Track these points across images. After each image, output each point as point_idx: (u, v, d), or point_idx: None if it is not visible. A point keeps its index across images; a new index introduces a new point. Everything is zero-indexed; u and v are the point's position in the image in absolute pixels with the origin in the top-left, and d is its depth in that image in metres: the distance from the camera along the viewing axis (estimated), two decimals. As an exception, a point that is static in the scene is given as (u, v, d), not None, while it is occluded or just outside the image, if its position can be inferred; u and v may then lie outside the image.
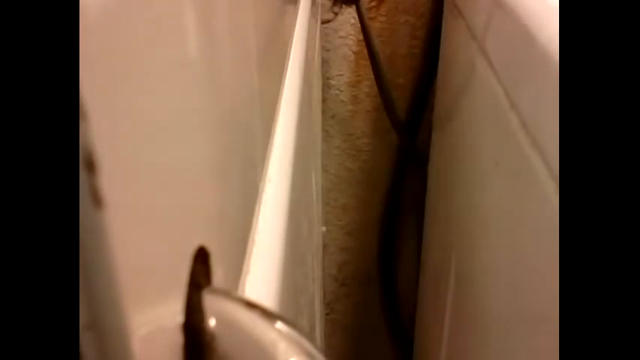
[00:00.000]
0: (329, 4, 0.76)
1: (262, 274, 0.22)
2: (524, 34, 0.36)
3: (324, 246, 0.88)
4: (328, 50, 0.79)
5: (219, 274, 0.17)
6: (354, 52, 0.79)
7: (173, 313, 0.14)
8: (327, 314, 0.93)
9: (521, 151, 0.35)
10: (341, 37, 0.78)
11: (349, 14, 0.77)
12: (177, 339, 0.15)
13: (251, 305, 0.16)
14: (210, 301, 0.15)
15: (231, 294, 0.16)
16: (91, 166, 0.10)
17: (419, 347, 0.85)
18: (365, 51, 0.76)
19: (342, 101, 0.82)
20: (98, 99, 0.10)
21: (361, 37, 0.76)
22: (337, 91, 0.81)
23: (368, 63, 0.76)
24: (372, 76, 0.77)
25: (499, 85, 0.42)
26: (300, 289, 0.36)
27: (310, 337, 0.15)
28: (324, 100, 0.80)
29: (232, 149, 0.21)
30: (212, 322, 0.15)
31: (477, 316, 0.49)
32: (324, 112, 0.81)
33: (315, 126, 0.64)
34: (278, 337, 0.15)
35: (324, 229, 0.86)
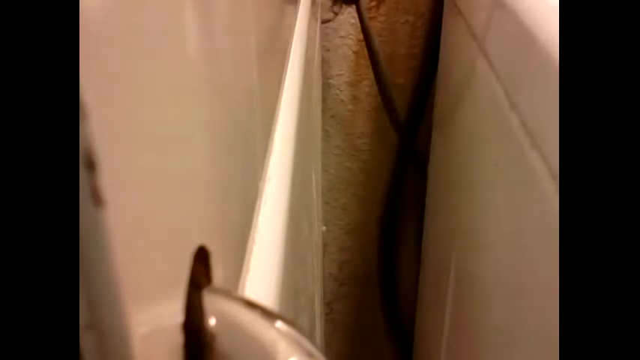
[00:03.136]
0: (329, 3, 0.76)
1: (262, 274, 0.22)
2: (524, 34, 0.36)
3: (324, 246, 0.88)
4: (328, 50, 0.79)
5: (219, 273, 0.17)
6: (354, 52, 0.79)
7: (173, 312, 0.14)
8: (327, 314, 0.93)
9: (521, 151, 0.35)
10: (341, 36, 0.78)
11: (349, 14, 0.77)
12: (177, 339, 0.15)
13: (251, 305, 0.16)
14: (210, 301, 0.15)
15: (231, 294, 0.16)
16: (91, 166, 0.10)
17: (419, 347, 0.85)
18: (365, 51, 0.76)
19: (342, 101, 0.82)
20: (98, 99, 0.10)
21: (361, 36, 0.76)
22: (337, 91, 0.81)
23: (368, 63, 0.76)
24: (372, 75, 0.77)
25: (499, 85, 0.42)
26: (300, 289, 0.36)
27: (310, 337, 0.15)
28: (323, 100, 0.80)
29: (232, 149, 0.21)
30: (212, 322, 0.15)
31: (476, 316, 0.49)
32: (324, 111, 0.81)
33: (315, 126, 0.64)
34: (278, 336, 0.15)
35: (324, 228, 0.86)
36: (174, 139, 0.15)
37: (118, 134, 0.11)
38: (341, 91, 0.81)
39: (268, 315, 0.15)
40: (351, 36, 0.78)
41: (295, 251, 0.32)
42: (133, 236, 0.12)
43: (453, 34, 0.65)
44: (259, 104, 0.26)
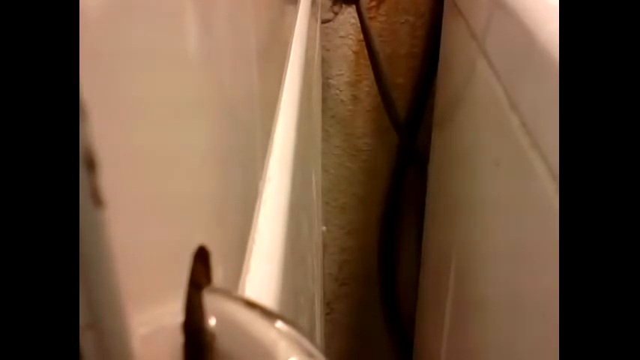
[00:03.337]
0: (329, 3, 0.76)
1: (262, 274, 0.22)
2: (524, 34, 0.36)
3: (324, 246, 0.88)
4: (328, 50, 0.79)
5: (219, 273, 0.17)
6: (354, 52, 0.79)
7: (173, 312, 0.14)
8: (327, 314, 0.93)
9: (521, 151, 0.35)
10: (341, 36, 0.78)
11: (349, 14, 0.77)
12: (177, 339, 0.15)
13: (251, 305, 0.16)
14: (210, 301, 0.15)
15: (231, 294, 0.16)
16: (92, 166, 0.10)
17: (419, 347, 0.85)
18: (365, 51, 0.76)
19: (342, 101, 0.82)
20: (98, 98, 0.10)
21: (361, 36, 0.76)
22: (337, 91, 0.81)
23: (368, 63, 0.76)
24: (372, 75, 0.77)
25: (499, 85, 0.42)
26: (300, 289, 0.36)
27: (310, 337, 0.15)
28: (324, 100, 0.80)
29: (232, 149, 0.21)
30: (212, 322, 0.15)
31: (476, 316, 0.49)
32: (324, 112, 0.81)
33: (315, 126, 0.64)
34: (278, 336, 0.15)
35: (324, 228, 0.86)
36: (174, 138, 0.15)
37: (118, 134, 0.11)
38: (341, 91, 0.81)
39: (268, 315, 0.15)
40: (351, 36, 0.78)
41: (295, 251, 0.32)
42: (133, 236, 0.12)
43: (453, 34, 0.65)
44: (259, 104, 0.26)
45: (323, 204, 0.85)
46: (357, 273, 0.92)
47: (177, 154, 0.15)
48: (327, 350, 0.79)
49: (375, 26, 0.76)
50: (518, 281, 0.37)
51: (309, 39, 0.48)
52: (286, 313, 0.25)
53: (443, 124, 0.71)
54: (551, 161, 0.30)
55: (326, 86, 0.80)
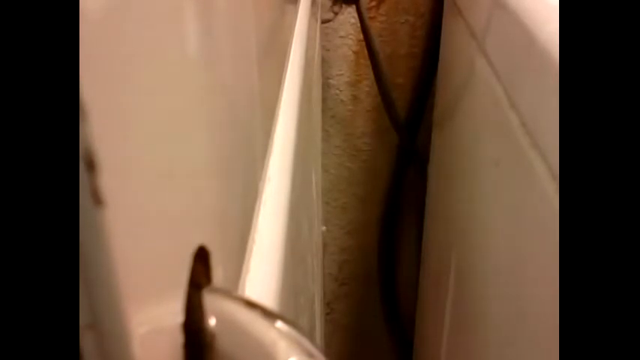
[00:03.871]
0: (329, 3, 0.76)
1: (262, 274, 0.22)
2: (524, 34, 0.36)
3: (324, 245, 0.88)
4: (328, 50, 0.79)
5: (219, 273, 0.17)
6: (354, 52, 0.79)
7: (173, 312, 0.14)
8: (327, 314, 0.93)
9: (521, 151, 0.35)
10: (341, 36, 0.78)
11: (349, 14, 0.77)
12: (177, 339, 0.15)
13: (251, 305, 0.16)
14: (210, 301, 0.15)
15: (231, 293, 0.16)
16: (92, 166, 0.10)
17: (419, 347, 0.85)
18: (365, 51, 0.76)
19: (342, 101, 0.82)
20: (98, 99, 0.10)
21: (361, 36, 0.76)
22: (337, 91, 0.81)
23: (368, 63, 0.76)
24: (372, 75, 0.77)
25: (499, 85, 0.42)
26: (300, 289, 0.36)
27: (310, 337, 0.15)
28: (323, 100, 0.80)
29: (232, 149, 0.21)
30: (212, 322, 0.15)
31: (476, 316, 0.49)
32: (324, 112, 0.81)
33: (315, 126, 0.64)
34: (278, 336, 0.15)
35: (324, 228, 0.86)
36: (174, 139, 0.15)
37: (118, 134, 0.11)
38: (341, 91, 0.81)
39: (268, 315, 0.15)
40: (351, 36, 0.78)
41: (295, 251, 0.32)
42: (133, 236, 0.12)
43: (453, 34, 0.65)
44: (259, 104, 0.26)
45: (323, 204, 0.85)
46: (357, 273, 0.92)
47: (177, 154, 0.15)
48: (327, 350, 0.79)
49: (375, 26, 0.76)
50: (518, 281, 0.37)
51: (309, 39, 0.48)
52: (286, 313, 0.25)
53: (443, 124, 0.71)
54: (551, 161, 0.30)
55: (326, 86, 0.80)
